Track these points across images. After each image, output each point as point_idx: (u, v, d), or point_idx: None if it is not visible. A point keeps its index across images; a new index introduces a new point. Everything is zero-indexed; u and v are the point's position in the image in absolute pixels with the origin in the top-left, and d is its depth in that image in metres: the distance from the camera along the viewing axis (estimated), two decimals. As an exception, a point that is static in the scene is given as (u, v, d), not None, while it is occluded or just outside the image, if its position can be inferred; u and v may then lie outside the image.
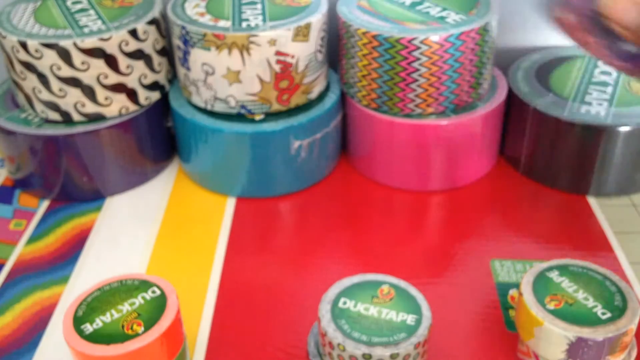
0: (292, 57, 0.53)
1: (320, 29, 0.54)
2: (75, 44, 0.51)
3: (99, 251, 0.51)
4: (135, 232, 0.53)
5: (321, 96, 0.58)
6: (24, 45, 0.52)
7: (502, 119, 0.58)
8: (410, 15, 0.54)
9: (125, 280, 0.38)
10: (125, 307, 0.37)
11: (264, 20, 0.53)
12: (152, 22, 0.55)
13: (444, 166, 0.56)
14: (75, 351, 0.35)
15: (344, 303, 0.38)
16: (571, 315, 0.37)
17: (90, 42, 0.52)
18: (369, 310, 0.37)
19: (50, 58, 0.52)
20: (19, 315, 0.46)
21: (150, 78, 0.57)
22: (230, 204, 0.57)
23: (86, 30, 0.53)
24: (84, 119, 0.55)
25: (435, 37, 0.50)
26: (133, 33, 0.53)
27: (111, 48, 0.53)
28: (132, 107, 0.56)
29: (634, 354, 0.39)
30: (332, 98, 0.57)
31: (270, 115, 0.55)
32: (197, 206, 0.56)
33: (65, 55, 0.52)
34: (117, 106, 0.55)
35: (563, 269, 0.40)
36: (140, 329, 0.35)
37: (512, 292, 0.46)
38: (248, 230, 0.53)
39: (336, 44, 0.58)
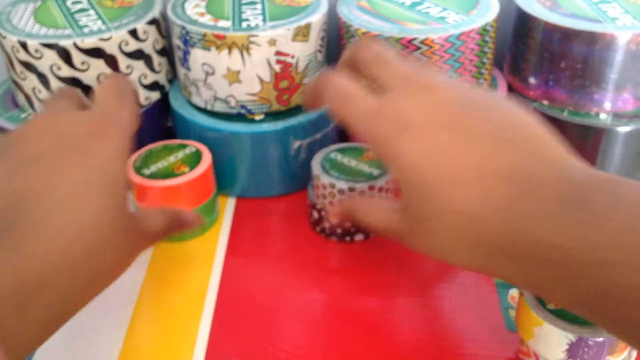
0: (292, 57, 0.53)
1: (320, 29, 0.54)
2: (75, 44, 0.51)
3: (99, 251, 0.51)
4: (135, 232, 0.53)
5: (321, 96, 0.58)
6: (24, 45, 0.52)
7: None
8: (410, 15, 0.54)
9: (168, 144, 0.54)
10: (172, 158, 0.52)
11: (264, 20, 0.53)
12: (152, 22, 0.55)
13: (444, 166, 0.56)
14: (139, 187, 0.50)
15: (335, 155, 0.51)
16: (571, 315, 0.37)
17: (90, 42, 0.52)
18: (350, 162, 0.50)
19: (50, 58, 0.52)
20: (19, 315, 0.46)
21: (150, 78, 0.57)
22: (230, 204, 0.57)
23: (86, 30, 0.53)
24: (84, 119, 0.55)
25: (435, 37, 0.50)
26: (133, 33, 0.54)
27: (111, 48, 0.53)
28: (132, 107, 0.56)
29: (635, 353, 0.39)
30: (332, 98, 0.57)
31: (270, 115, 0.55)
32: (197, 206, 0.56)
33: (65, 55, 0.52)
34: (117, 106, 0.55)
35: None
36: (187, 170, 0.50)
37: (512, 292, 0.46)
38: (248, 230, 0.53)
39: (336, 44, 0.58)
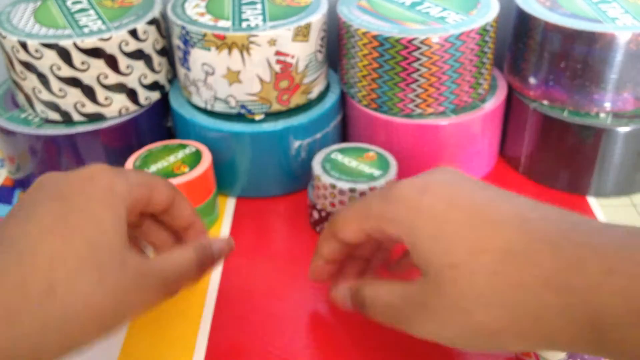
0: (292, 57, 0.53)
1: (320, 29, 0.54)
2: (75, 44, 0.51)
3: (99, 251, 0.51)
4: (135, 232, 0.53)
5: (321, 96, 0.58)
6: (24, 45, 0.52)
7: (502, 119, 0.59)
8: (410, 15, 0.54)
9: (168, 144, 0.54)
10: (172, 158, 0.52)
11: (264, 20, 0.53)
12: (152, 22, 0.55)
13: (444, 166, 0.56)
14: None
15: (335, 155, 0.51)
16: None
17: (90, 42, 0.52)
18: (351, 163, 0.50)
19: (50, 58, 0.52)
20: (18, 315, 0.45)
21: (150, 78, 0.57)
22: (230, 204, 0.57)
23: (86, 30, 0.53)
24: (84, 119, 0.55)
25: (435, 37, 0.50)
26: (133, 33, 0.54)
27: (111, 48, 0.53)
28: (132, 107, 0.56)
29: None
30: (332, 98, 0.57)
31: (270, 115, 0.55)
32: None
33: (65, 55, 0.52)
34: (117, 106, 0.55)
35: None
36: (187, 170, 0.50)
37: (512, 292, 0.46)
38: (248, 230, 0.53)
39: (336, 44, 0.58)
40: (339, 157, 0.51)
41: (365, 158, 0.51)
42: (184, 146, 0.53)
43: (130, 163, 0.51)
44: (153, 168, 0.51)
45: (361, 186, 0.48)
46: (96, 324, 0.31)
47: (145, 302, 0.34)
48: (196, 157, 0.52)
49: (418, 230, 0.33)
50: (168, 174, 0.50)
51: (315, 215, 0.52)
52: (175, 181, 0.49)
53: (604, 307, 0.27)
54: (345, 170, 0.50)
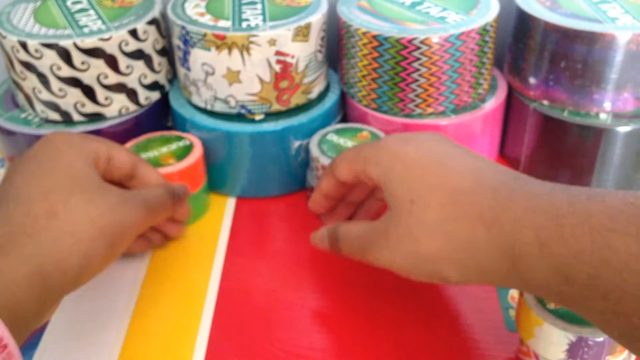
0: (292, 57, 0.53)
1: (320, 29, 0.54)
2: (75, 44, 0.51)
3: (99, 251, 0.51)
4: (135, 232, 0.53)
5: (321, 96, 0.58)
6: (24, 45, 0.52)
7: (502, 119, 0.59)
8: (410, 15, 0.54)
9: (166, 134, 0.55)
10: (164, 149, 0.53)
11: (264, 20, 0.53)
12: (152, 22, 0.55)
13: (444, 166, 0.56)
14: None
15: (331, 137, 0.53)
16: (572, 314, 0.37)
17: (90, 42, 0.52)
18: (346, 143, 0.52)
19: (50, 58, 0.52)
20: (18, 315, 0.46)
21: (150, 78, 0.57)
22: (230, 204, 0.57)
23: (86, 30, 0.53)
24: (84, 119, 0.55)
25: (435, 37, 0.50)
26: (133, 33, 0.54)
27: (111, 48, 0.53)
28: (132, 107, 0.56)
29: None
30: (332, 98, 0.57)
31: (270, 115, 0.55)
32: (197, 206, 0.56)
33: (65, 55, 0.52)
34: (117, 106, 0.55)
35: None
36: (173, 162, 0.51)
37: (512, 292, 0.46)
38: (248, 231, 0.53)
39: (336, 44, 0.58)
40: (335, 138, 0.53)
41: (360, 137, 0.53)
42: (179, 138, 0.54)
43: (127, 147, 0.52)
44: (143, 156, 0.52)
45: None
46: (101, 239, 0.37)
47: (135, 221, 0.41)
48: (187, 151, 0.53)
49: (392, 172, 0.38)
50: (155, 163, 0.51)
51: None
52: (165, 171, 0.50)
53: (519, 238, 0.31)
54: (342, 151, 0.50)
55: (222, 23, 0.52)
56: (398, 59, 0.51)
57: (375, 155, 0.39)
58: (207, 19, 0.53)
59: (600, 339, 0.36)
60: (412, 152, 0.37)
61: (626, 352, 0.38)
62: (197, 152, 0.53)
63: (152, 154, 0.52)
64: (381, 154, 0.39)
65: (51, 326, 0.45)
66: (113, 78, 0.54)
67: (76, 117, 0.55)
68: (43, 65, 0.52)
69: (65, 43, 0.51)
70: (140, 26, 0.54)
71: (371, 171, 0.39)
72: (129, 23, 0.54)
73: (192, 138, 0.54)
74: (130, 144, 0.54)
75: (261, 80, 0.53)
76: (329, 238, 0.43)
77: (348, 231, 0.41)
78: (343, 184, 0.44)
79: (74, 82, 0.53)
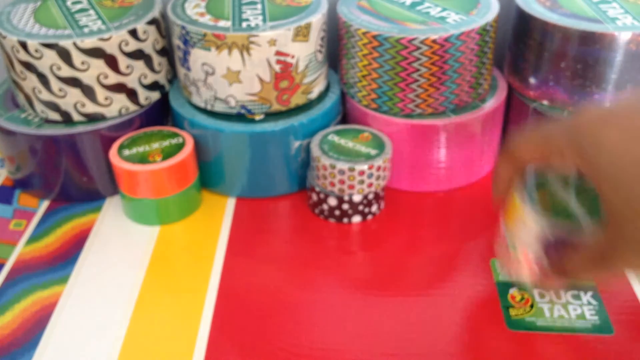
0: (292, 57, 0.53)
1: (320, 29, 0.54)
2: (75, 44, 0.51)
3: (99, 251, 0.51)
4: (135, 232, 0.53)
5: (321, 96, 0.58)
6: (24, 45, 0.52)
7: (502, 119, 0.59)
8: (410, 15, 0.54)
9: (163, 130, 0.55)
10: (156, 145, 0.53)
11: (264, 20, 0.53)
12: (152, 22, 0.55)
13: (444, 166, 0.56)
14: (115, 166, 0.52)
15: (332, 137, 0.53)
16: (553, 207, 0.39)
17: (90, 42, 0.52)
18: (347, 144, 0.52)
19: (50, 58, 0.52)
20: (18, 315, 0.46)
21: (150, 78, 0.57)
22: (230, 204, 0.57)
23: (86, 30, 0.53)
24: (84, 119, 0.55)
25: (435, 37, 0.50)
26: (133, 33, 0.54)
27: (111, 48, 0.53)
28: (132, 107, 0.56)
29: None
30: (332, 98, 0.57)
31: (270, 115, 0.55)
32: (197, 206, 0.56)
33: (65, 55, 0.52)
34: (117, 106, 0.55)
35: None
36: (159, 159, 0.51)
37: (512, 291, 0.46)
38: (248, 231, 0.53)
39: (336, 44, 0.58)
40: (336, 138, 0.53)
41: (361, 139, 0.53)
42: (174, 135, 0.55)
43: (121, 140, 0.54)
44: (134, 150, 0.53)
45: (360, 165, 0.50)
46: None
47: None
48: (178, 149, 0.53)
49: (598, 166, 0.32)
50: (142, 159, 0.52)
51: (314, 197, 0.53)
52: (142, 168, 0.51)
53: None
54: (343, 151, 0.52)
55: (222, 23, 0.52)
56: (398, 59, 0.51)
57: (570, 141, 0.33)
58: (207, 19, 0.53)
59: (565, 235, 0.37)
60: (616, 136, 0.31)
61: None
62: (187, 150, 0.53)
63: (143, 148, 0.53)
64: (577, 139, 0.33)
65: (51, 326, 0.45)
66: (113, 78, 0.54)
67: (76, 117, 0.55)
68: (43, 65, 0.52)
69: (65, 43, 0.51)
70: (140, 26, 0.54)
71: (568, 159, 0.34)
72: (129, 23, 0.54)
73: (186, 136, 0.54)
74: (126, 136, 0.54)
75: (261, 80, 0.53)
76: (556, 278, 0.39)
77: (574, 268, 0.37)
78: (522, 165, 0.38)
79: (74, 82, 0.53)
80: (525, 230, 0.39)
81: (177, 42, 0.54)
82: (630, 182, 0.30)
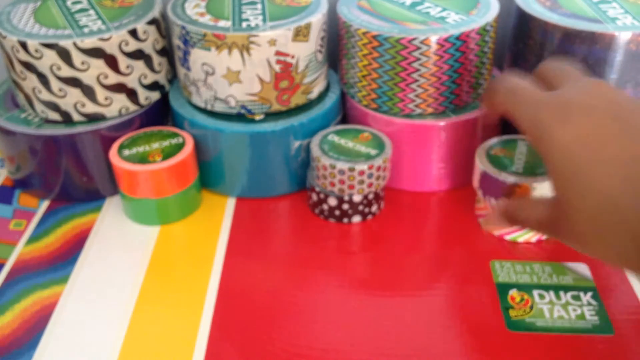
0: (292, 57, 0.53)
1: (320, 29, 0.54)
2: (75, 44, 0.51)
3: (99, 251, 0.51)
4: (135, 233, 0.53)
5: (321, 96, 0.58)
6: (24, 45, 0.52)
7: (502, 119, 0.58)
8: (410, 15, 0.54)
9: (163, 130, 0.55)
10: (156, 145, 0.53)
11: (264, 20, 0.53)
12: (152, 22, 0.55)
13: (444, 166, 0.56)
14: (115, 166, 0.52)
15: (332, 137, 0.53)
16: (498, 160, 0.50)
17: (90, 42, 0.52)
18: (347, 144, 0.53)
19: (50, 58, 0.52)
20: (18, 314, 0.46)
21: (150, 78, 0.57)
22: (230, 204, 0.57)
23: (86, 30, 0.53)
24: (84, 119, 0.55)
25: (435, 37, 0.50)
26: (133, 33, 0.54)
27: (111, 48, 0.53)
28: (132, 107, 0.56)
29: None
30: (332, 98, 0.57)
31: (270, 115, 0.55)
32: (197, 206, 0.56)
33: (65, 55, 0.52)
34: (117, 106, 0.55)
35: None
36: (159, 159, 0.51)
37: (512, 292, 0.46)
38: (248, 231, 0.53)
39: (336, 44, 0.58)
40: (336, 138, 0.53)
41: (361, 139, 0.53)
42: (174, 135, 0.55)
43: (119, 142, 0.54)
44: (134, 150, 0.53)
45: (360, 165, 0.50)
46: None
47: None
48: (178, 149, 0.53)
49: (547, 155, 0.35)
50: (142, 159, 0.52)
51: (314, 197, 0.53)
52: (142, 168, 0.51)
53: None
54: (343, 151, 0.52)
55: (222, 23, 0.52)
56: (398, 59, 0.51)
57: (531, 120, 0.36)
58: (207, 19, 0.53)
59: (501, 180, 0.48)
60: (567, 135, 0.34)
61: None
62: (187, 150, 0.53)
63: (143, 148, 0.53)
64: (535, 123, 0.36)
65: (51, 326, 0.45)
66: (113, 78, 0.54)
67: (76, 117, 0.55)
68: (43, 65, 0.52)
69: (65, 43, 0.51)
70: (140, 26, 0.54)
71: (526, 133, 0.37)
72: (129, 23, 0.54)
73: (186, 136, 0.55)
74: (126, 136, 0.54)
75: (261, 80, 0.53)
76: (506, 218, 0.42)
77: (528, 218, 0.39)
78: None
79: (74, 82, 0.53)
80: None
81: (177, 42, 0.54)
82: (566, 176, 0.34)
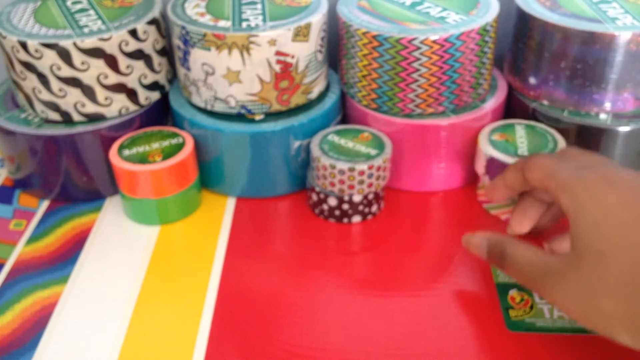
0: (292, 57, 0.53)
1: (320, 29, 0.54)
2: (75, 44, 0.51)
3: (99, 251, 0.51)
4: (135, 233, 0.53)
5: (321, 96, 0.58)
6: (24, 45, 0.52)
7: (502, 119, 0.58)
8: (410, 15, 0.54)
9: (163, 130, 0.55)
10: (156, 145, 0.53)
11: (264, 20, 0.53)
12: (152, 22, 0.55)
13: (444, 166, 0.56)
14: (115, 166, 0.52)
15: (332, 137, 0.53)
16: (502, 145, 0.51)
17: (90, 42, 0.52)
18: (347, 144, 0.53)
19: (50, 58, 0.52)
20: (18, 315, 0.46)
21: (150, 78, 0.57)
22: (230, 204, 0.57)
23: (86, 30, 0.53)
24: (84, 119, 0.55)
25: (435, 37, 0.50)
26: (133, 33, 0.54)
27: (111, 48, 0.53)
28: (132, 107, 0.56)
29: None
30: (332, 98, 0.57)
31: (270, 115, 0.55)
32: (197, 206, 0.56)
33: (65, 55, 0.52)
34: (117, 106, 0.55)
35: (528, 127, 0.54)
36: (159, 159, 0.51)
37: (512, 292, 0.46)
38: (248, 231, 0.53)
39: (336, 44, 0.58)
40: (336, 138, 0.53)
41: (361, 139, 0.53)
42: (174, 135, 0.55)
43: (119, 142, 0.54)
44: (134, 150, 0.53)
45: (360, 165, 0.50)
46: None
47: None
48: (178, 149, 0.53)
49: (585, 213, 0.36)
50: (142, 159, 0.52)
51: (314, 197, 0.53)
52: (142, 168, 0.51)
53: None
54: (343, 151, 0.52)
55: (222, 23, 0.52)
56: (398, 59, 0.51)
57: (574, 185, 0.37)
58: (207, 19, 0.53)
59: (506, 161, 0.50)
60: (615, 199, 0.35)
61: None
62: (187, 150, 0.53)
63: (143, 148, 0.53)
64: (580, 187, 0.37)
65: (51, 326, 0.45)
66: (113, 78, 0.54)
67: (76, 117, 0.55)
68: (43, 65, 0.52)
69: (65, 43, 0.51)
70: (140, 26, 0.54)
71: (563, 200, 0.38)
72: (129, 23, 0.54)
73: (186, 136, 0.55)
74: (126, 136, 0.54)
75: (261, 80, 0.53)
76: (491, 251, 0.43)
77: (518, 255, 0.40)
78: (528, 184, 0.43)
79: (74, 82, 0.53)
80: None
81: (177, 42, 0.54)
82: (609, 230, 0.35)
